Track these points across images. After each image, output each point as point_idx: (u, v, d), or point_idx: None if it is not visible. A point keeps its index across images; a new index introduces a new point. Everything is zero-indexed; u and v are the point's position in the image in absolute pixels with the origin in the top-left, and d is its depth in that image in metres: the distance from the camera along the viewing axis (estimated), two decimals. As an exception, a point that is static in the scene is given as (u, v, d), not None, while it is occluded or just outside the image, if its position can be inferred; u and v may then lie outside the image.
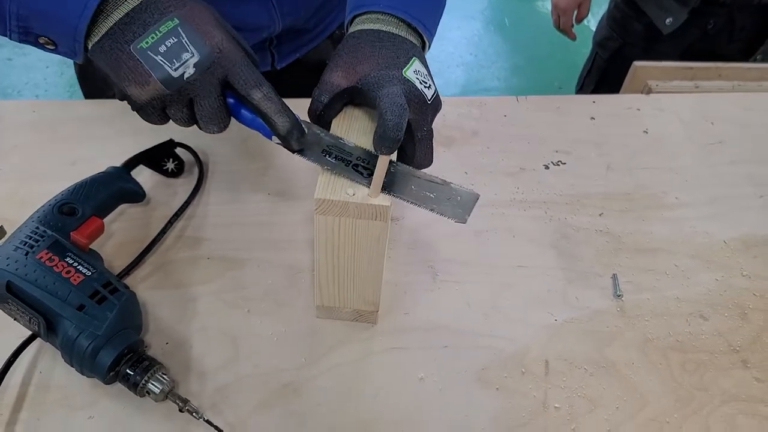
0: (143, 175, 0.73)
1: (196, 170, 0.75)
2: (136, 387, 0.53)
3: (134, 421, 0.54)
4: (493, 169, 0.80)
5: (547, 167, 0.81)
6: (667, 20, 1.27)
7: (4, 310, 0.55)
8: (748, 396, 0.59)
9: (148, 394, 0.53)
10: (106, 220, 0.67)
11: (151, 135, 0.74)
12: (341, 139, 0.54)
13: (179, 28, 0.49)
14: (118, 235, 0.68)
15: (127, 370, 0.53)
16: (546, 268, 0.69)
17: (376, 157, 0.52)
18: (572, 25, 1.43)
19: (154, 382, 0.53)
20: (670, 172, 0.81)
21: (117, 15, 0.49)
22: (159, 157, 0.74)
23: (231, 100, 0.53)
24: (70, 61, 0.62)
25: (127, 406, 0.55)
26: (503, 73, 2.70)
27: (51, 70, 2.55)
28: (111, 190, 0.66)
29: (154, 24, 0.48)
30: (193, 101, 0.51)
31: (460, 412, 0.57)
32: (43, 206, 0.61)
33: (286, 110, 0.52)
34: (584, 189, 0.78)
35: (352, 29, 0.59)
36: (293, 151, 0.53)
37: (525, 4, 3.07)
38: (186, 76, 0.49)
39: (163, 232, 0.68)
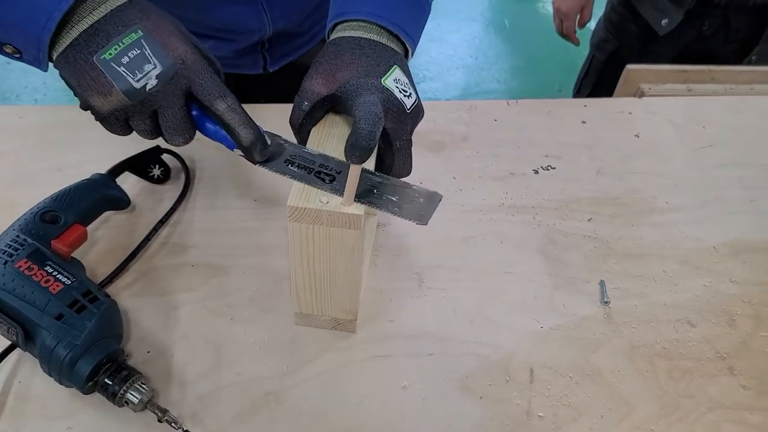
0: (129, 182, 0.73)
1: (182, 176, 0.75)
2: (115, 397, 0.53)
3: (113, 430, 0.54)
4: (482, 173, 0.79)
5: (536, 172, 0.80)
6: (663, 21, 1.27)
7: (-17, 320, 0.55)
8: (734, 403, 0.59)
9: (127, 404, 0.53)
10: (90, 227, 0.67)
11: (140, 142, 0.73)
12: (304, 147, 0.54)
13: (142, 40, 0.49)
14: (102, 242, 0.68)
15: (106, 380, 0.53)
16: (533, 273, 0.69)
17: (341, 162, 0.52)
18: (575, 30, 1.43)
19: (132, 392, 0.53)
20: (661, 176, 0.80)
21: (82, 26, 0.48)
22: (145, 164, 0.73)
23: (195, 112, 0.53)
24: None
25: (106, 417, 0.54)
26: (503, 75, 2.69)
27: (50, 74, 2.55)
28: (95, 197, 0.65)
29: (117, 35, 0.48)
30: (156, 112, 0.51)
31: (443, 420, 0.57)
32: (25, 214, 0.61)
33: (250, 122, 0.52)
34: (574, 194, 0.78)
35: (333, 36, 0.58)
36: (255, 163, 0.53)
37: (525, 5, 3.07)
38: (148, 87, 0.49)
39: (147, 239, 0.67)
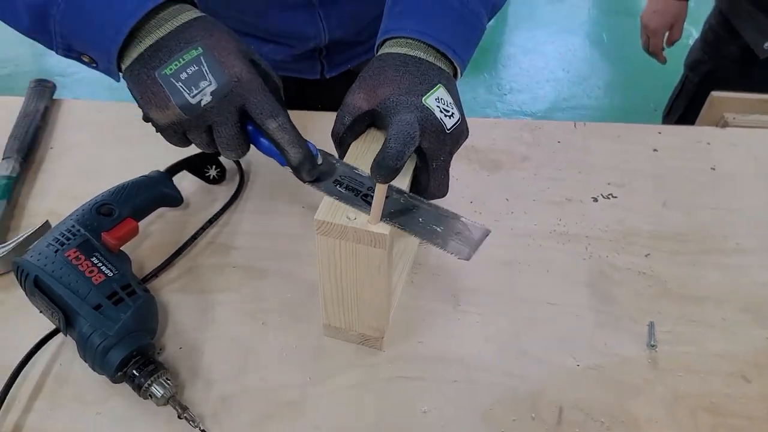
0: (187, 180, 0.76)
1: (237, 178, 0.77)
2: (140, 389, 0.55)
3: (137, 422, 0.56)
4: (537, 197, 0.76)
5: (595, 200, 0.76)
6: (766, 45, 1.18)
7: (33, 303, 0.59)
8: (785, 474, 0.53)
9: (151, 397, 0.55)
10: (145, 221, 0.70)
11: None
12: (356, 169, 0.54)
13: (201, 57, 0.50)
14: (154, 237, 0.71)
15: (134, 372, 0.55)
16: (577, 307, 0.65)
17: (389, 187, 0.51)
18: (663, 48, 1.35)
19: (157, 386, 0.55)
20: (734, 214, 0.74)
21: (148, 41, 0.51)
22: (203, 164, 0.76)
23: (251, 128, 0.54)
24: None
25: (132, 407, 0.57)
26: (595, 92, 2.60)
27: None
28: (150, 194, 0.68)
29: (179, 52, 0.50)
30: (211, 127, 0.52)
31: (460, 451, 0.55)
32: (84, 205, 0.64)
33: (300, 141, 0.52)
34: (633, 226, 0.73)
35: (380, 52, 0.58)
36: (304, 181, 0.54)
37: (626, 18, 2.94)
38: (203, 103, 0.50)
39: (194, 237, 0.70)
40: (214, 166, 0.76)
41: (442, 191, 0.56)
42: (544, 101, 2.56)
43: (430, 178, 0.55)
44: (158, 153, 0.78)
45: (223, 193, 0.76)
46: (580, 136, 0.84)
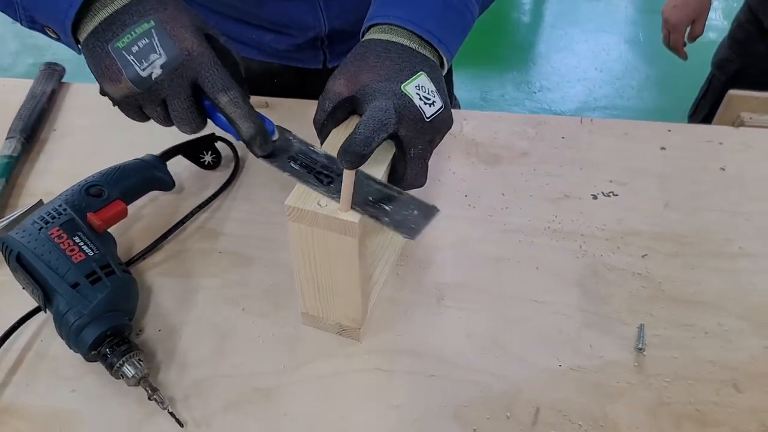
0: (181, 165, 0.76)
1: (232, 165, 0.77)
2: (112, 368, 0.55)
3: (109, 400, 0.56)
4: (534, 193, 0.74)
5: (595, 197, 0.74)
6: (797, 44, 1.13)
7: (17, 279, 0.60)
8: (768, 489, 0.51)
9: (122, 377, 0.55)
10: (137, 204, 0.71)
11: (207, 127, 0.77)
12: (312, 146, 0.53)
13: (153, 30, 0.50)
14: (145, 220, 0.72)
15: (107, 351, 0.55)
16: (564, 306, 0.63)
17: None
18: (684, 44, 1.31)
19: (129, 366, 0.55)
20: (741, 218, 0.71)
21: (102, 15, 0.51)
22: (198, 150, 0.76)
23: (207, 103, 0.54)
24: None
25: (106, 386, 0.57)
26: (628, 92, 2.53)
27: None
28: (141, 176, 0.69)
29: (131, 25, 0.50)
30: (165, 101, 0.52)
31: (429, 447, 0.54)
32: (74, 185, 0.65)
33: (252, 116, 0.52)
34: (632, 225, 0.71)
35: (364, 38, 0.57)
36: (257, 156, 0.53)
37: (664, 18, 2.86)
38: (154, 76, 0.50)
39: (182, 222, 0.70)
40: (209, 152, 0.76)
41: (420, 181, 0.55)
42: (574, 100, 2.51)
43: (407, 167, 0.54)
44: (160, 139, 0.79)
45: (217, 179, 0.76)
46: (586, 132, 0.82)
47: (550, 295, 0.64)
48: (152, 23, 0.50)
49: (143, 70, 0.50)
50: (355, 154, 0.46)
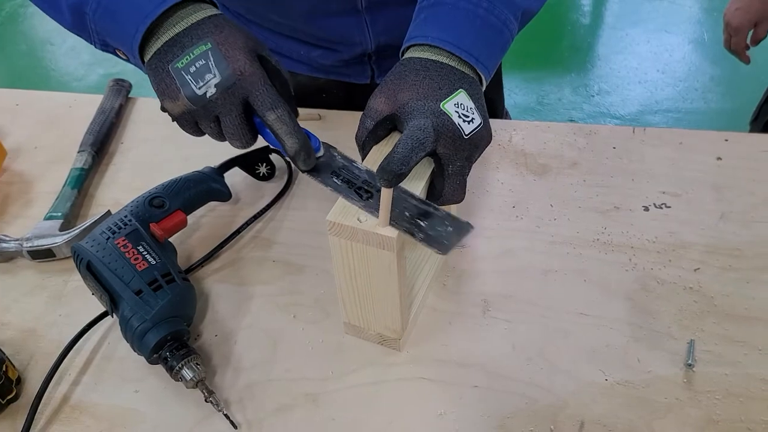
0: (239, 177, 0.80)
1: (286, 177, 0.80)
2: (172, 371, 0.58)
3: (170, 401, 0.60)
4: (583, 204, 0.74)
5: (646, 209, 0.73)
6: None
7: (87, 285, 0.64)
8: None
9: (181, 379, 0.58)
10: (196, 214, 0.74)
11: (258, 140, 0.80)
12: (354, 162, 0.55)
13: (209, 52, 0.53)
14: (204, 229, 0.75)
15: (167, 354, 0.59)
16: (612, 320, 0.63)
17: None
18: (746, 47, 1.26)
19: (187, 370, 0.58)
20: (801, 231, 0.69)
21: (165, 37, 0.54)
22: (254, 162, 0.79)
23: (258, 120, 0.56)
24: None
25: (167, 388, 0.61)
26: (691, 94, 2.45)
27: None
28: (199, 188, 0.72)
29: (190, 47, 0.53)
30: (218, 118, 0.55)
31: (473, 457, 0.55)
32: (138, 197, 0.69)
33: (297, 133, 0.54)
34: (684, 238, 0.70)
35: (404, 57, 0.59)
36: (302, 171, 0.55)
37: (732, 17, 2.75)
38: (208, 94, 0.53)
39: (238, 231, 0.73)
40: (264, 164, 0.80)
41: (458, 197, 0.56)
42: (634, 103, 2.45)
43: (445, 184, 0.55)
44: (218, 150, 0.83)
45: (271, 190, 0.79)
46: (638, 142, 0.81)
47: (597, 309, 0.64)
48: (209, 45, 0.54)
49: (199, 88, 0.54)
50: (393, 173, 0.48)
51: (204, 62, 0.53)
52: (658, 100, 2.45)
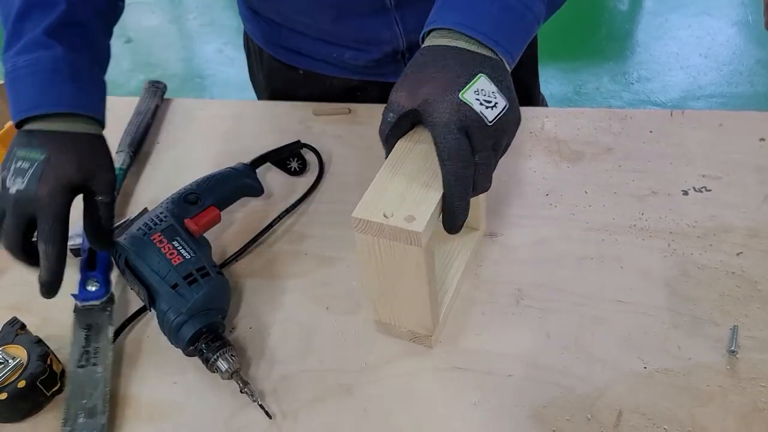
0: (272, 172, 0.81)
1: (317, 171, 0.80)
2: (208, 362, 0.59)
3: (207, 392, 0.61)
4: (618, 190, 0.73)
5: (686, 193, 0.71)
6: None
7: (125, 280, 0.66)
8: None
9: (217, 370, 0.59)
10: (230, 209, 0.75)
11: (289, 135, 0.81)
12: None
13: (37, 163, 0.58)
14: (237, 224, 0.76)
15: (203, 346, 0.60)
16: (651, 307, 0.61)
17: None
18: (790, 28, 1.21)
19: (222, 361, 0.59)
20: None
21: (35, 126, 0.60)
22: (285, 157, 0.80)
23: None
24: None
25: (204, 379, 0.62)
26: (736, 78, 2.37)
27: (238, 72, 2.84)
28: (233, 184, 0.73)
29: (35, 147, 0.59)
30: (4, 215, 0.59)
31: (508, 446, 0.54)
32: (174, 193, 0.71)
33: (51, 272, 0.58)
34: (727, 221, 0.67)
35: (423, 45, 0.58)
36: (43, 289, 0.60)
37: (778, -3, 2.65)
38: (11, 191, 0.58)
39: (271, 226, 0.74)
40: (296, 159, 0.80)
41: (484, 186, 0.55)
42: (676, 89, 2.38)
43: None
44: (251, 147, 0.84)
45: (303, 184, 0.80)
46: (677, 125, 0.79)
47: (635, 296, 0.63)
48: (42, 157, 0.58)
49: (10, 180, 0.58)
50: (457, 228, 0.54)
51: (28, 166, 0.58)
52: (701, 85, 2.37)
